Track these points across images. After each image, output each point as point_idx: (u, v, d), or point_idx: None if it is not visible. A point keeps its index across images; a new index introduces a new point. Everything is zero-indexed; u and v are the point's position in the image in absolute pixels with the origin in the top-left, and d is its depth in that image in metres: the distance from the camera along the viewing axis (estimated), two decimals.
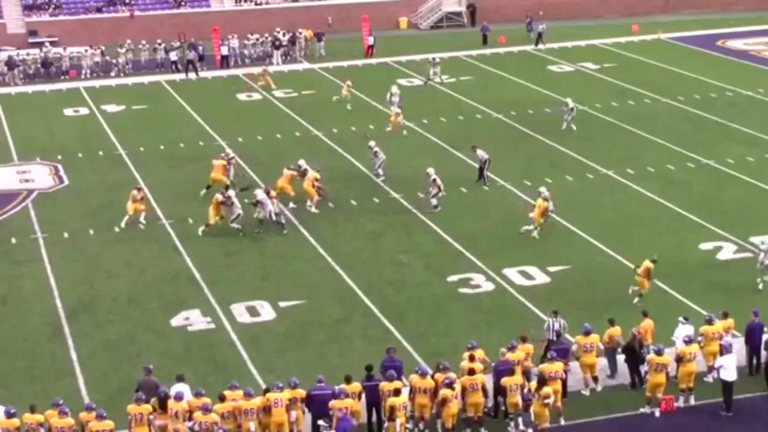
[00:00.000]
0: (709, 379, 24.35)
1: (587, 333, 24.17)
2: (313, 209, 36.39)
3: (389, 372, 22.52)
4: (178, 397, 21.95)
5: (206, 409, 21.56)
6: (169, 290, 30.61)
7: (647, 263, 28.81)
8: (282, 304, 29.42)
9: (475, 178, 38.74)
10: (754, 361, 24.87)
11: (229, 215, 34.80)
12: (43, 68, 58.16)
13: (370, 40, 61.98)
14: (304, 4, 69.64)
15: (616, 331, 24.83)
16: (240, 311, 29.05)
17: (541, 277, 30.80)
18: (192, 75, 57.43)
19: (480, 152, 38.82)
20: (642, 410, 23.36)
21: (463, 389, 22.54)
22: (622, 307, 27.70)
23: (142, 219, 35.57)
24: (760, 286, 29.38)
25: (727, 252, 32.22)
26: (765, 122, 45.54)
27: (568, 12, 70.35)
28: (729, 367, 23.38)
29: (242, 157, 42.18)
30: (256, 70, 57.16)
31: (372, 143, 39.80)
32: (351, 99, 50.15)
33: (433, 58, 55.72)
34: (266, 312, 29.03)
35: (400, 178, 39.13)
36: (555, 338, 24.88)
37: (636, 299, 28.59)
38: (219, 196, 34.97)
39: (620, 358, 24.74)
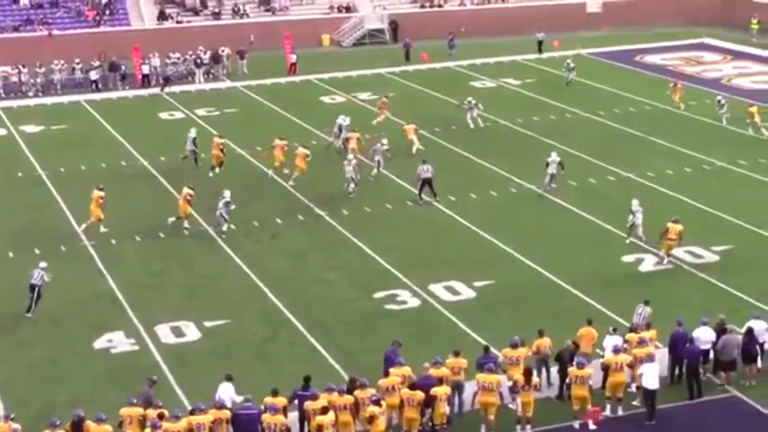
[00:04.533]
0: (632, 388, 24.61)
1: (514, 346, 24.27)
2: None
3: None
4: (220, 400, 22.35)
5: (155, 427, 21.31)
6: (92, 312, 30.17)
7: (674, 226, 32.14)
8: (207, 323, 29.16)
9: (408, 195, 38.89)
10: (677, 371, 25.22)
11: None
12: None
13: (293, 58, 61.94)
14: (225, 22, 69.33)
15: (545, 342, 25.01)
16: (164, 332, 28.72)
17: (466, 292, 30.93)
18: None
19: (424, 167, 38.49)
20: (573, 424, 23.49)
21: (401, 404, 22.60)
22: (548, 319, 27.89)
23: (186, 224, 36.26)
24: (627, 241, 33.74)
25: (649, 264, 32.66)
26: (683, 135, 46.35)
27: (489, 29, 70.89)
28: (650, 376, 23.66)
29: (166, 176, 41.86)
30: (178, 88, 56.75)
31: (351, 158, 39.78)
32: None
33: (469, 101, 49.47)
34: (191, 332, 28.74)
35: (326, 196, 39.08)
36: (644, 327, 25.26)
37: (666, 260, 32.19)
38: (189, 191, 36.01)
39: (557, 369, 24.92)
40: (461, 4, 74.05)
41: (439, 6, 73.54)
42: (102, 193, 36.47)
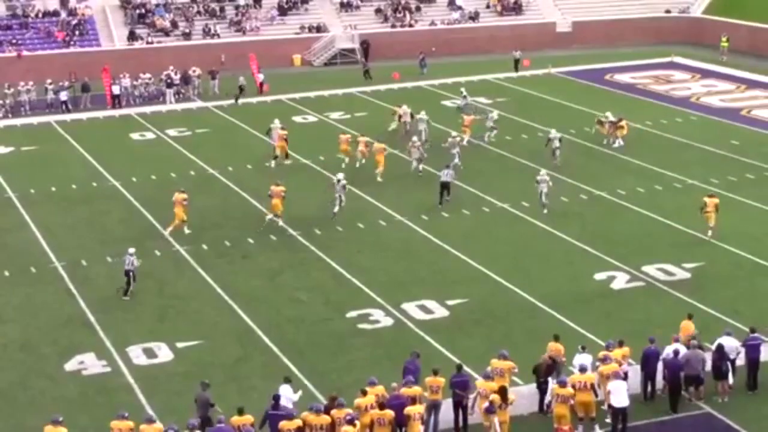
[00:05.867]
0: (604, 406, 24.63)
1: (503, 357, 24.51)
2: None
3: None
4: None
5: None
6: (63, 334, 29.92)
7: (710, 200, 36.02)
8: (180, 344, 28.98)
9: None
10: (649, 388, 25.29)
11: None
12: None
13: (261, 77, 61.95)
14: (196, 42, 69.27)
15: (558, 347, 25.27)
16: (137, 353, 28.53)
17: (440, 311, 30.92)
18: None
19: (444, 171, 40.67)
20: None
21: (371, 424, 22.54)
22: (522, 338, 27.95)
23: (280, 222, 37.65)
24: (546, 210, 38.12)
25: (621, 281, 32.78)
26: (653, 154, 46.64)
27: (460, 48, 71.24)
28: (619, 393, 23.70)
29: (136, 196, 41.73)
30: (148, 109, 56.65)
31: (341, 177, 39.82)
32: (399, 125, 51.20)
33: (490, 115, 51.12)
34: (164, 353, 28.56)
35: (298, 216, 39.00)
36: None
37: (709, 233, 35.54)
38: (182, 195, 37.34)
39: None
40: (432, 24, 74.35)
41: (410, 26, 73.81)
42: (185, 195, 37.74)
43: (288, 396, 23.60)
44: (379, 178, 43.03)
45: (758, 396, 25.53)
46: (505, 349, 24.94)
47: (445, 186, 40.05)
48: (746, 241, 35.61)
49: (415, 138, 45.56)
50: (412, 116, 50.77)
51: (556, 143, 44.78)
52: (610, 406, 24.05)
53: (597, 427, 23.99)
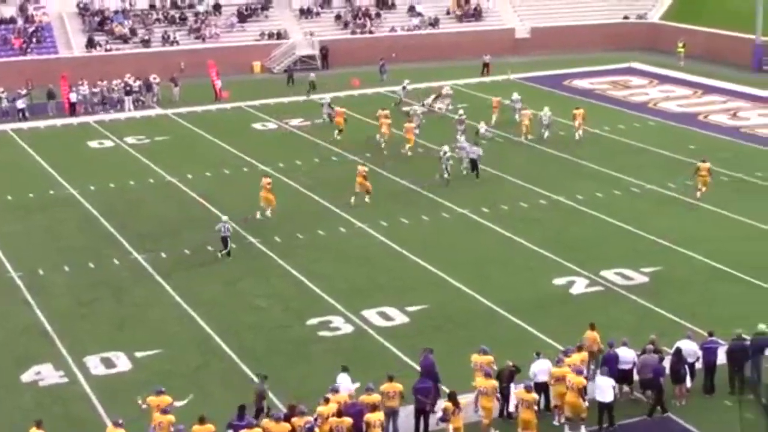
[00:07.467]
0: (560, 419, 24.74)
1: (483, 352, 25.05)
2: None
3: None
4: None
5: None
6: (20, 344, 29.64)
7: (703, 165, 40.14)
8: (138, 353, 28.78)
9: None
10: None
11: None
12: None
13: (219, 84, 61.77)
14: (155, 49, 68.91)
15: (594, 336, 26.11)
16: (95, 363, 28.30)
17: (400, 318, 30.91)
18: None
19: (474, 148, 44.75)
20: None
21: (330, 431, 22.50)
22: (482, 343, 27.88)
23: (268, 213, 39.07)
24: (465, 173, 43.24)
25: (580, 286, 32.93)
26: (611, 158, 46.94)
27: (420, 54, 71.39)
28: (604, 389, 23.99)
29: (94, 204, 41.45)
30: (106, 116, 56.31)
31: None
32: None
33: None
34: (122, 363, 28.35)
35: (257, 223, 38.89)
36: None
37: (699, 194, 39.73)
38: (267, 180, 39.70)
39: None
40: (392, 30, 74.44)
41: (370, 32, 73.85)
42: (269, 179, 40.27)
43: (347, 386, 24.05)
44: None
45: (715, 399, 25.74)
46: (453, 359, 25.39)
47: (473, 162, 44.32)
48: (703, 245, 35.88)
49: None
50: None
51: (546, 119, 49.79)
52: (557, 406, 24.36)
53: (583, 428, 24.07)
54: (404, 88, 59.62)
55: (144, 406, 23.56)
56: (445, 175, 43.39)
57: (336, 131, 51.22)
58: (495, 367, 24.78)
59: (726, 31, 70.80)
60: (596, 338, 26.26)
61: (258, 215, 39.38)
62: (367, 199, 40.95)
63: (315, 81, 62.45)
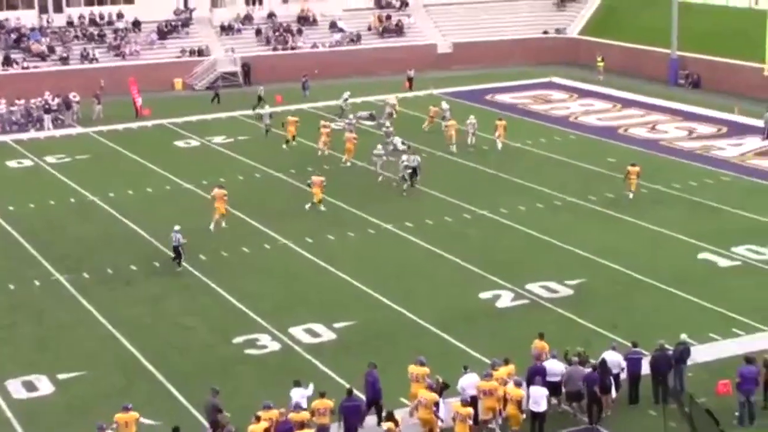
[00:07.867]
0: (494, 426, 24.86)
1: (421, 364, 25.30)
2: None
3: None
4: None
5: None
6: None
7: (633, 168, 42.46)
8: (61, 376, 28.31)
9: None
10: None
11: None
12: None
13: (140, 101, 61.22)
14: (74, 67, 68.02)
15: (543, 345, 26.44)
16: (15, 387, 27.77)
17: (327, 334, 30.84)
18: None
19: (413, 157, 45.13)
20: None
21: None
22: (410, 358, 27.92)
23: (222, 224, 39.50)
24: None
25: (506, 300, 33.16)
26: (533, 172, 47.39)
27: (342, 70, 71.41)
28: (537, 398, 24.28)
29: (14, 226, 40.75)
30: (25, 135, 55.45)
31: None
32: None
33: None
34: (44, 386, 27.86)
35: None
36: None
37: (631, 195, 42.09)
38: (222, 191, 39.77)
39: None
40: (314, 46, 74.42)
41: (292, 48, 73.76)
42: (225, 191, 40.22)
43: (302, 394, 24.18)
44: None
45: (639, 409, 26.08)
46: (382, 375, 25.42)
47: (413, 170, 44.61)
48: (624, 257, 36.38)
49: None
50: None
51: (471, 128, 51.45)
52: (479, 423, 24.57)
53: None
54: (346, 100, 59.78)
55: (114, 425, 23.35)
56: (405, 185, 44.40)
57: (285, 141, 52.28)
58: (429, 380, 24.83)
59: (643, 46, 72.01)
60: (545, 347, 26.45)
61: (212, 226, 39.57)
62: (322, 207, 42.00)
63: (263, 95, 61.34)
